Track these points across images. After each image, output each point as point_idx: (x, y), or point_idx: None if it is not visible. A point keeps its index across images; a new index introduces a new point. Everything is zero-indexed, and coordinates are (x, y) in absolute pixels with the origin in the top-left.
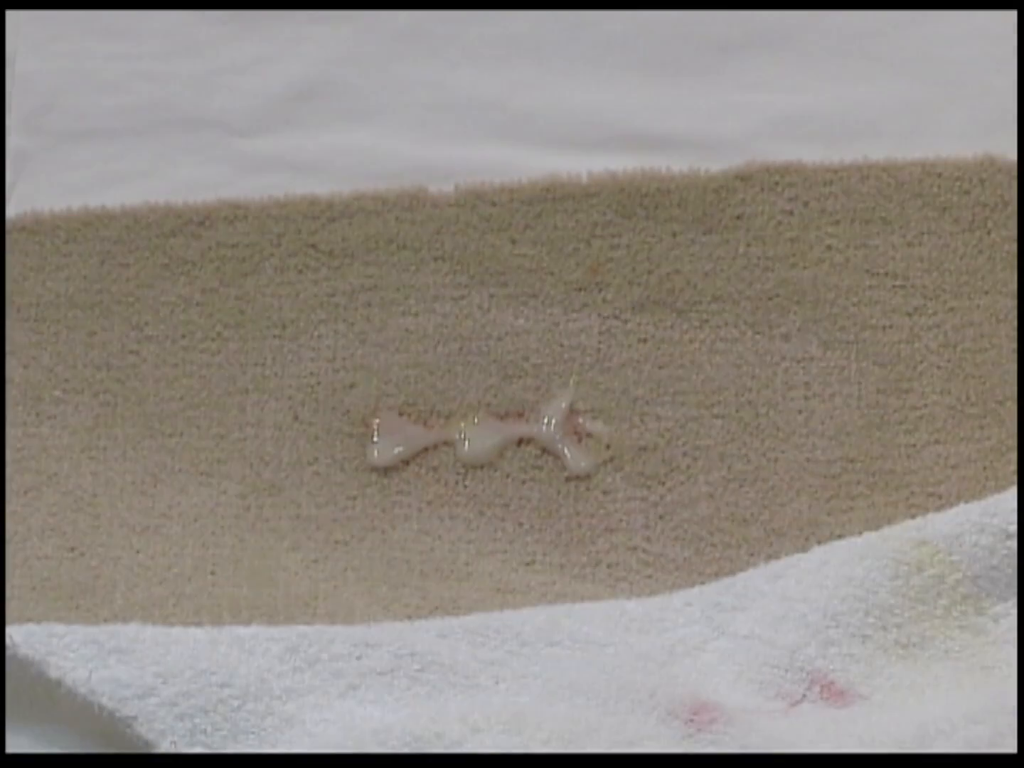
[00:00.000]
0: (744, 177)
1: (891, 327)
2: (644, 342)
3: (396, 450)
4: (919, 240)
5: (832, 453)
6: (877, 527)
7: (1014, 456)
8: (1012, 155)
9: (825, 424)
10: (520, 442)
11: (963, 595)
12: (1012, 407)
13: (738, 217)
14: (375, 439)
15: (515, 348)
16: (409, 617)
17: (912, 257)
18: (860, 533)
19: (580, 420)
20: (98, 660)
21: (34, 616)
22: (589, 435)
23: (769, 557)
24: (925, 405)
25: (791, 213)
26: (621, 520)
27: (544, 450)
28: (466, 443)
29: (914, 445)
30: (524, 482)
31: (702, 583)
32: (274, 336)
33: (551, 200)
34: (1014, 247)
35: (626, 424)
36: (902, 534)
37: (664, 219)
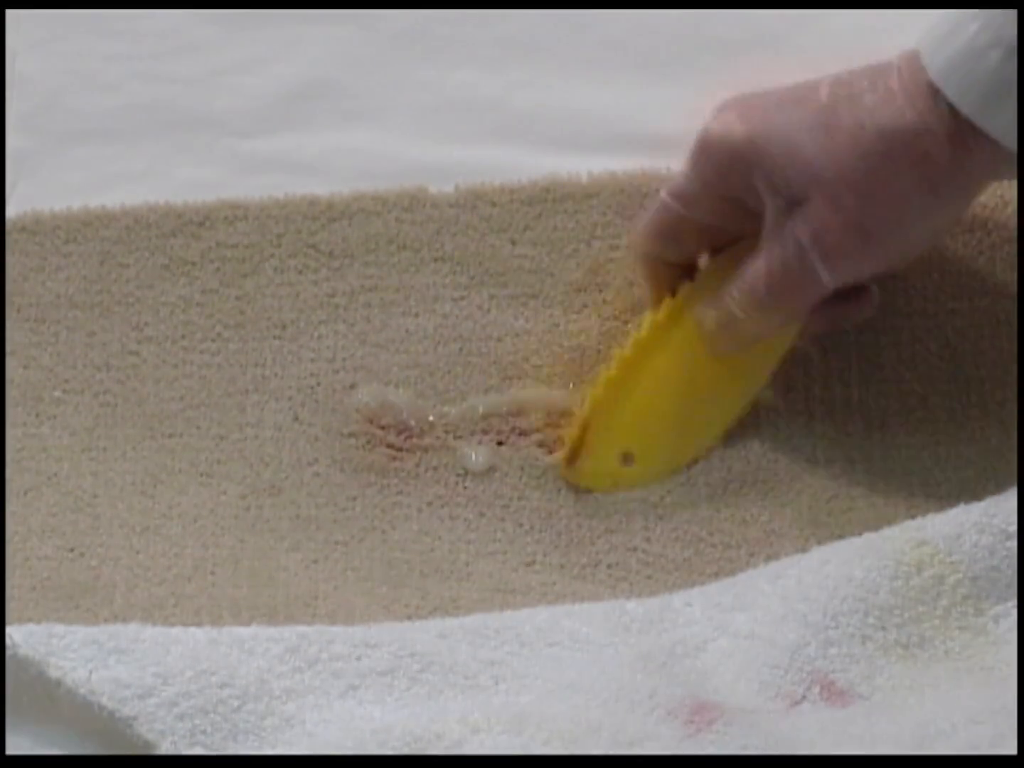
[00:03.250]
0: None
1: (891, 328)
2: None
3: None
4: None
5: (832, 453)
6: (877, 527)
7: (1014, 456)
8: None
9: (825, 425)
10: None
11: (963, 596)
12: (1012, 408)
13: None
14: None
15: (515, 348)
16: (409, 617)
17: None
18: (860, 533)
19: None
20: (98, 660)
21: (34, 616)
22: None
23: (769, 557)
24: (925, 406)
25: None
26: (621, 520)
27: None
28: (466, 445)
29: (914, 445)
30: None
31: (702, 583)
32: (274, 336)
33: (551, 200)
34: (1014, 247)
35: None
36: (902, 534)
37: None
